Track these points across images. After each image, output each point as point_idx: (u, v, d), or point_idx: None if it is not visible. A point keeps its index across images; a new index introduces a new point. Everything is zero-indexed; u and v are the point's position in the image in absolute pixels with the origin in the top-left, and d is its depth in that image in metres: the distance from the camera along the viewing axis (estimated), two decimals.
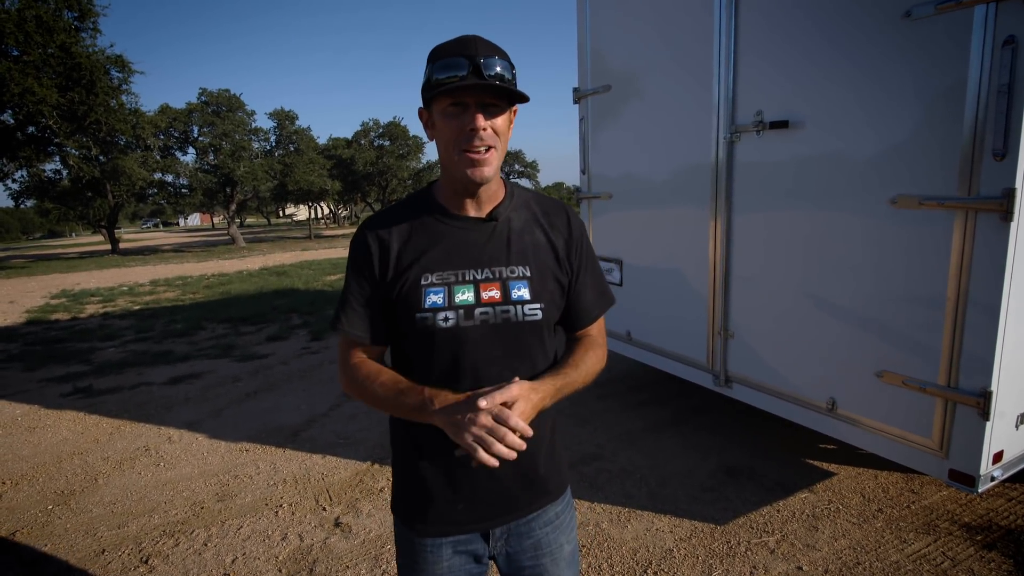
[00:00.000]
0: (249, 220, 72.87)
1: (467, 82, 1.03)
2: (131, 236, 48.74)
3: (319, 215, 57.67)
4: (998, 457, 2.32)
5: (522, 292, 1.15)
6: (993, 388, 2.20)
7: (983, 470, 2.27)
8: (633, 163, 3.83)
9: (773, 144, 2.87)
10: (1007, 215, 2.08)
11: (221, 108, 25.45)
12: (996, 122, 2.08)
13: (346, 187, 32.88)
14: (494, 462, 1.00)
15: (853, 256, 2.59)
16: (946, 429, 2.35)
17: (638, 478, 3.23)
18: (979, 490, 2.29)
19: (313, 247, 23.89)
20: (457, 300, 1.11)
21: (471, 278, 1.13)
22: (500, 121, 1.08)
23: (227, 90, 25.64)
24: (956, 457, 2.33)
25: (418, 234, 1.15)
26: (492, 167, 1.10)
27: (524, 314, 1.14)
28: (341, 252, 20.12)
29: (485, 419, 1.00)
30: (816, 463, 3.29)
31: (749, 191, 3.03)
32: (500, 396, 1.03)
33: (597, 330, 1.31)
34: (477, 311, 1.12)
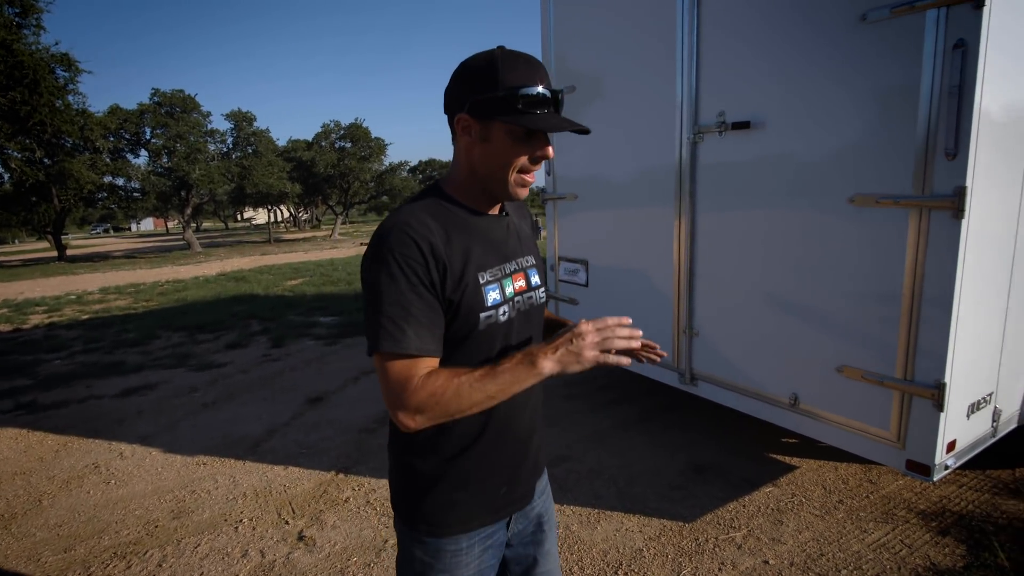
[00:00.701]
0: (206, 224, 70.87)
1: (563, 126, 1.08)
2: (80, 242, 46.80)
3: (279, 219, 56.44)
4: (951, 446, 2.39)
5: (536, 278, 1.25)
6: (947, 380, 2.26)
7: (938, 459, 2.34)
8: (598, 164, 3.84)
9: (735, 144, 2.91)
10: (958, 212, 2.15)
11: (175, 109, 24.65)
12: (947, 122, 2.14)
13: (307, 190, 32.24)
14: (631, 352, 1.14)
15: (813, 254, 2.64)
16: (903, 421, 2.41)
17: (607, 478, 3.23)
18: (935, 479, 2.36)
19: (273, 252, 23.37)
20: (507, 293, 1.17)
21: (509, 271, 1.19)
22: None
23: (181, 91, 24.85)
24: (913, 448, 2.39)
25: (457, 234, 1.12)
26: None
27: (539, 297, 1.26)
28: (302, 256, 19.73)
29: (598, 332, 1.05)
30: (780, 457, 3.35)
31: (712, 191, 3.07)
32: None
33: None
34: (516, 299, 1.19)
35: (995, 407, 2.63)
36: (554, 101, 1.08)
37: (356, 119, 32.71)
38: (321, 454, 3.78)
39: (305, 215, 52.04)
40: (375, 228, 1.14)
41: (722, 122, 2.91)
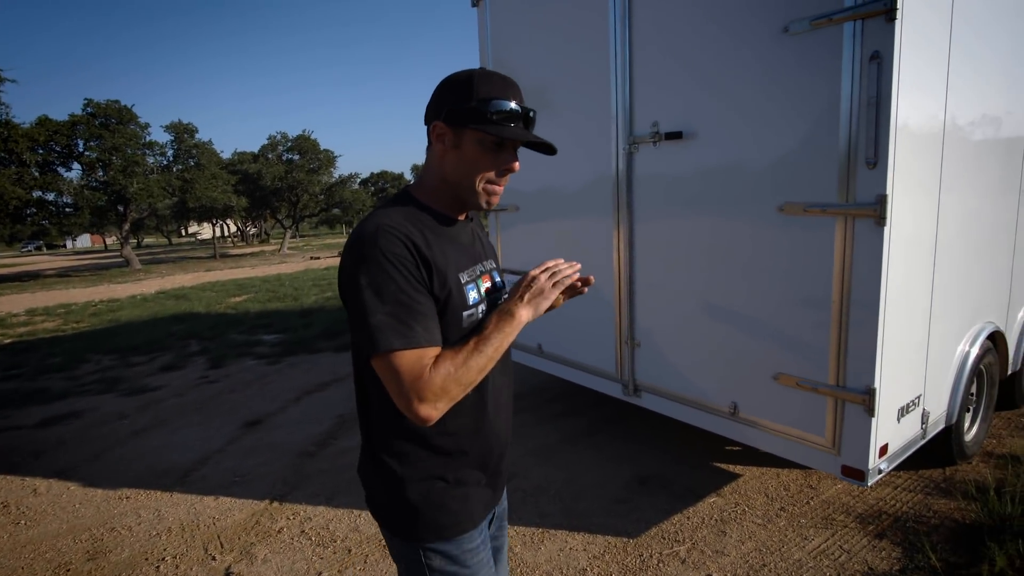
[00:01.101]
0: (148, 240, 67.89)
1: (529, 137, 1.14)
2: (8, 261, 44.12)
3: (226, 233, 54.69)
4: (884, 450, 2.43)
5: (499, 278, 1.32)
6: (876, 385, 2.30)
7: (871, 464, 2.37)
8: (539, 175, 3.80)
9: (669, 154, 2.92)
10: (880, 220, 2.19)
11: (110, 120, 23.57)
12: (867, 133, 2.19)
13: (253, 203, 31.32)
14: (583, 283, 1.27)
15: (747, 262, 2.66)
16: (837, 427, 2.44)
17: (552, 494, 3.17)
18: (868, 483, 2.38)
19: (218, 267, 22.56)
20: (482, 293, 1.22)
21: (479, 272, 1.25)
22: None
23: (116, 101, 23.74)
24: (847, 453, 2.42)
25: (435, 237, 1.16)
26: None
27: (503, 296, 1.31)
28: (248, 272, 19.10)
29: (548, 278, 1.21)
30: (724, 466, 3.35)
31: (648, 201, 3.07)
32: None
33: None
34: (488, 300, 1.24)
35: (924, 409, 2.69)
36: (524, 117, 1.15)
37: (304, 131, 32.09)
38: (256, 481, 3.59)
39: (253, 229, 50.60)
40: (348, 237, 1.14)
41: (656, 132, 2.92)
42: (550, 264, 1.23)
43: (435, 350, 1.08)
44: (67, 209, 23.89)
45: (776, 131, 2.48)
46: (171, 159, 26.76)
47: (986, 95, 2.81)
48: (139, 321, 9.92)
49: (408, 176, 61.07)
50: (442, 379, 1.05)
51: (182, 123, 26.72)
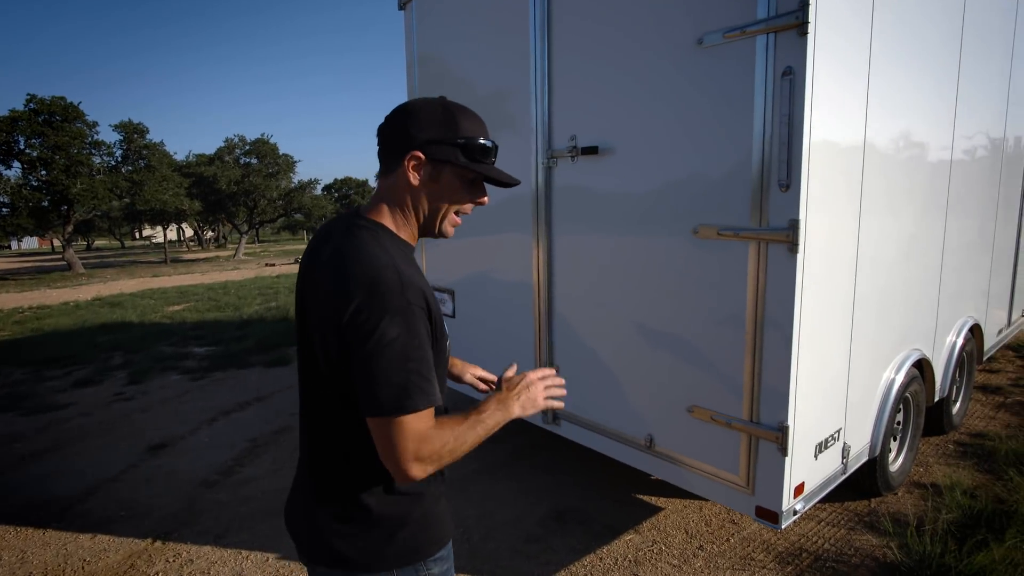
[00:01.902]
0: (100, 243, 65.25)
1: (510, 180, 1.20)
2: None
3: (181, 237, 52.95)
4: (799, 490, 2.29)
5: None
6: (790, 423, 2.15)
7: (785, 505, 2.22)
8: None
9: (586, 170, 2.75)
10: (792, 247, 2.05)
11: (54, 117, 22.52)
12: (780, 153, 2.05)
13: (208, 207, 30.32)
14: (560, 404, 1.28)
15: (663, 287, 2.50)
16: (751, 465, 2.28)
17: (462, 533, 2.94)
18: (783, 526, 2.23)
19: (167, 273, 21.70)
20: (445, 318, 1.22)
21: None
22: None
23: (62, 98, 22.69)
24: (761, 494, 2.27)
25: (412, 268, 1.14)
26: None
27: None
28: (197, 279, 18.38)
29: (543, 386, 1.27)
30: (646, 498, 3.19)
31: (567, 218, 2.90)
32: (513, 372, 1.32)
33: None
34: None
35: (844, 443, 2.57)
36: (495, 152, 1.19)
37: (263, 134, 31.33)
38: (142, 516, 3.26)
39: (211, 233, 49.18)
40: (352, 270, 1.05)
41: (573, 147, 2.76)
42: (548, 373, 1.26)
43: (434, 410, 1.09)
44: (3, 210, 22.71)
45: (691, 149, 2.34)
46: (119, 160, 25.71)
47: (908, 114, 2.73)
48: (65, 330, 9.33)
49: (372, 183, 60.32)
50: (441, 446, 1.05)
51: (132, 122, 25.73)
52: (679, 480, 2.57)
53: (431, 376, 1.06)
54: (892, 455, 3.18)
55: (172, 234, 47.02)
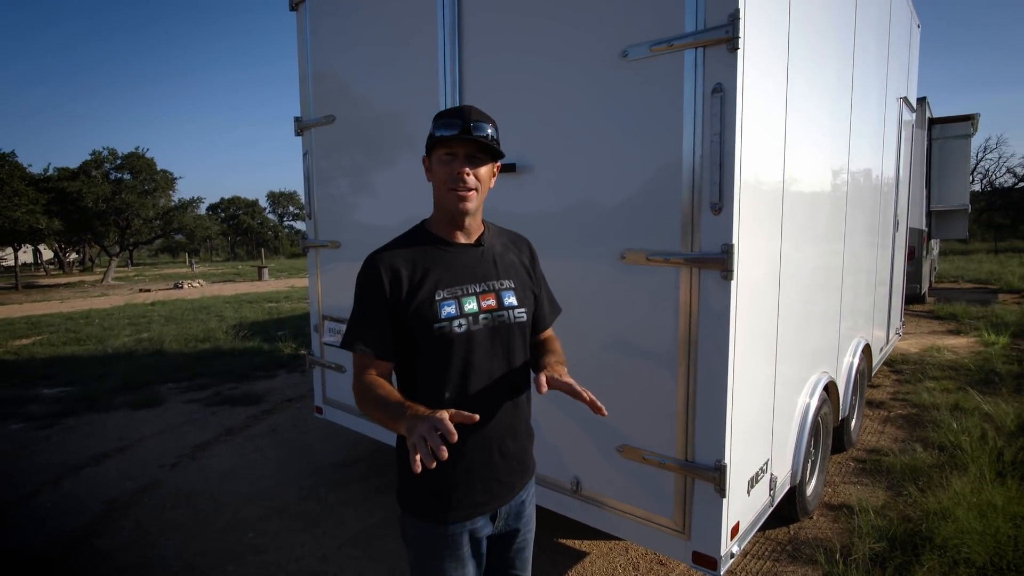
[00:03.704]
0: None
1: (457, 136, 1.35)
2: None
3: (38, 260, 47.14)
4: (735, 530, 2.15)
5: (512, 299, 1.47)
6: (727, 460, 2.01)
7: (723, 550, 2.07)
8: (361, 207, 3.28)
9: (503, 189, 2.52)
10: (726, 273, 1.93)
11: None
12: (712, 174, 1.93)
13: (70, 226, 27.13)
14: (417, 468, 1.08)
15: (588, 316, 2.31)
16: (687, 508, 2.12)
17: None
18: (720, 572, 2.08)
19: (17, 300, 19.07)
20: (466, 309, 1.40)
21: (473, 291, 1.43)
22: (483, 171, 1.42)
23: None
24: (698, 538, 2.10)
25: (424, 259, 1.42)
26: (474, 203, 1.41)
27: (515, 317, 1.46)
28: (55, 307, 16.24)
29: (424, 427, 1.12)
30: (569, 543, 2.96)
31: None
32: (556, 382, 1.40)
33: (552, 331, 1.69)
34: (481, 317, 1.41)
35: (772, 475, 2.48)
36: (463, 125, 1.35)
37: (137, 148, 28.73)
38: None
39: (75, 255, 44.18)
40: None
41: None
42: (444, 423, 1.13)
43: (372, 360, 1.40)
44: None
45: (616, 168, 2.18)
46: None
47: (816, 139, 2.77)
48: None
49: (263, 203, 57.24)
50: (360, 387, 1.38)
51: None
52: (608, 526, 2.36)
53: (361, 330, 1.40)
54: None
55: (26, 256, 41.70)
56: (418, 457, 1.07)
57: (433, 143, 1.39)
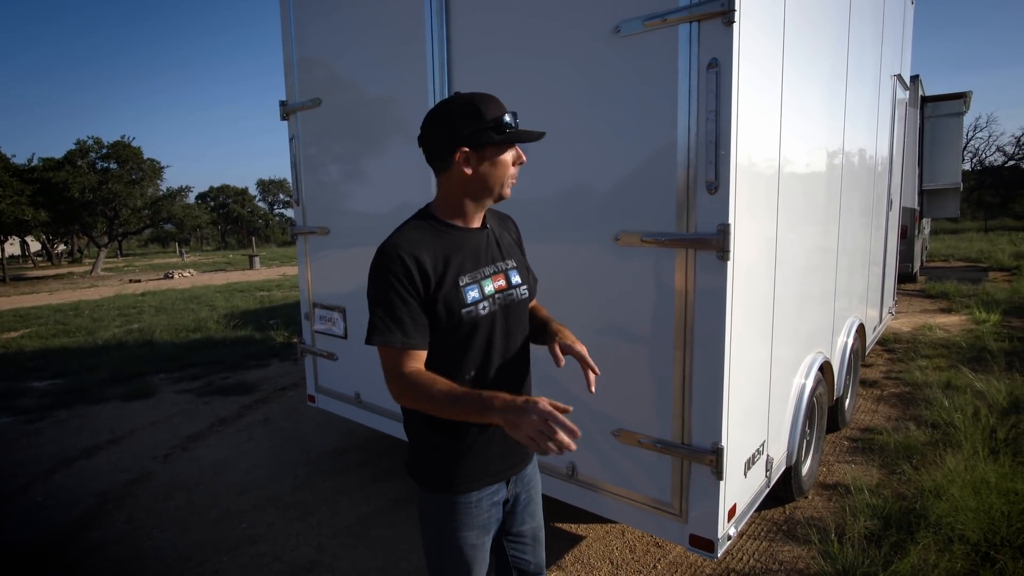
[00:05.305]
0: None
1: (531, 136, 1.42)
2: None
3: (26, 252, 46.59)
4: (732, 512, 2.14)
5: (516, 278, 1.53)
6: (724, 443, 2.00)
7: (721, 532, 2.06)
8: (350, 193, 3.22)
9: None
10: (723, 254, 1.90)
11: None
12: (708, 152, 1.89)
13: (57, 217, 26.75)
14: (555, 449, 1.12)
15: (584, 299, 2.28)
16: (684, 491, 2.11)
17: None
18: (718, 554, 2.08)
19: (5, 293, 18.85)
20: (486, 291, 1.43)
21: (488, 273, 1.46)
22: None
23: None
24: (695, 521, 2.09)
25: (442, 247, 1.40)
26: None
27: (520, 294, 1.52)
28: (44, 299, 16.08)
29: (538, 423, 1.13)
30: (566, 527, 2.95)
31: None
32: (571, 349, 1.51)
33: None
34: (496, 297, 1.45)
35: (768, 456, 2.48)
36: (515, 118, 1.39)
37: (123, 136, 28.27)
38: None
39: (63, 247, 43.70)
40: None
41: None
42: (560, 418, 1.13)
43: (415, 353, 1.36)
44: None
45: (609, 148, 2.14)
46: None
47: (812, 116, 2.73)
48: None
49: (253, 191, 56.70)
50: (411, 383, 1.32)
51: None
52: (605, 510, 2.35)
53: (401, 324, 1.33)
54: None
55: (14, 248, 41.18)
56: (549, 444, 1.11)
57: (508, 137, 1.36)
